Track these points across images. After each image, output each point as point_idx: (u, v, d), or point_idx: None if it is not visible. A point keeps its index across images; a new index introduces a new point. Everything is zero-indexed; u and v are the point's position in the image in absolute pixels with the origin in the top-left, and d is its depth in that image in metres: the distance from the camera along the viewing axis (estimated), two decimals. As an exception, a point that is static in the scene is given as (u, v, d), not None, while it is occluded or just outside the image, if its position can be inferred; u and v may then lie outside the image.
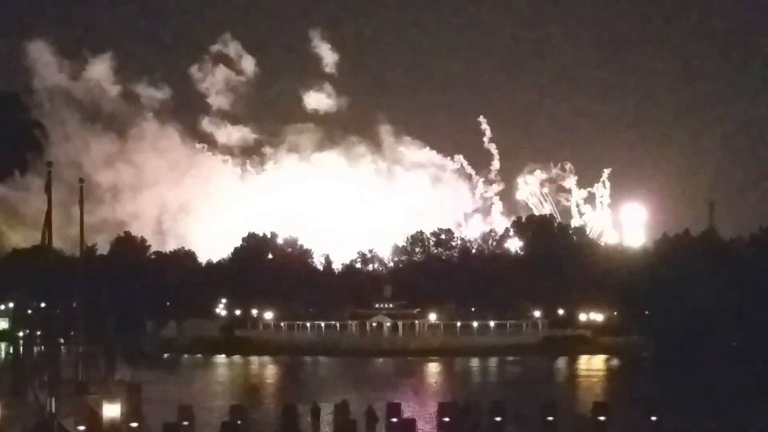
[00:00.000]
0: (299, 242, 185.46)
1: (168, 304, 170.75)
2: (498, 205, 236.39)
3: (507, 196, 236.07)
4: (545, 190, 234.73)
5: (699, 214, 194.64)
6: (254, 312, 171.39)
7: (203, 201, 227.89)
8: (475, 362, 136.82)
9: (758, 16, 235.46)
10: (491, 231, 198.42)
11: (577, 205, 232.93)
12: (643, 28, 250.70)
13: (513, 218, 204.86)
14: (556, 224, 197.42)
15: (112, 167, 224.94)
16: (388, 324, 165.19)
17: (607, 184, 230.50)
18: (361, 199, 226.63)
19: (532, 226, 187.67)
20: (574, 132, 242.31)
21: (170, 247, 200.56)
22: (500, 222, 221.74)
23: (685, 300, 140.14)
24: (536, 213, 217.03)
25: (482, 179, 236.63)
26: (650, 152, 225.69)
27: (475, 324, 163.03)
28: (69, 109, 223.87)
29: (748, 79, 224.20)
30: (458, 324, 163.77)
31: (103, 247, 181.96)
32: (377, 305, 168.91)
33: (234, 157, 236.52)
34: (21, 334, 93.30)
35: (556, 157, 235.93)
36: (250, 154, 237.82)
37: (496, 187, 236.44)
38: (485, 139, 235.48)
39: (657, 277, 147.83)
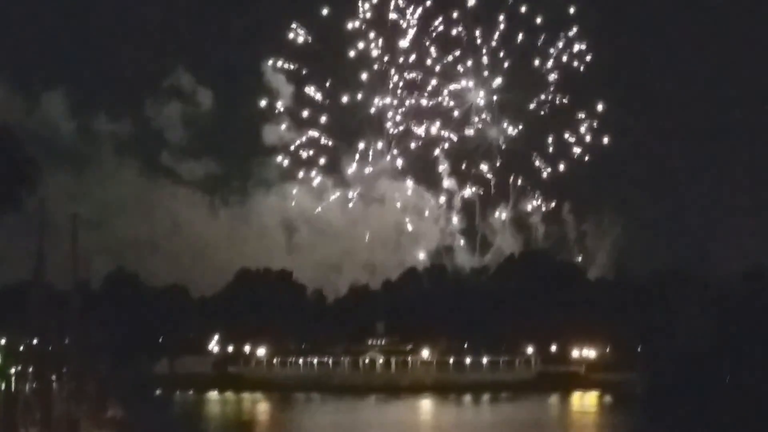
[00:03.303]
0: (293, 276, 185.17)
1: (160, 340, 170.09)
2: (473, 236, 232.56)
3: (471, 230, 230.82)
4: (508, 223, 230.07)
5: (692, 250, 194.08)
6: (247, 348, 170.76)
7: (172, 235, 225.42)
8: (467, 399, 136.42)
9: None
10: (484, 267, 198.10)
11: (545, 237, 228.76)
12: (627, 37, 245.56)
13: (506, 253, 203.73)
14: (552, 258, 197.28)
15: (72, 202, 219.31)
16: (381, 360, 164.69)
17: (570, 217, 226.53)
18: (338, 230, 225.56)
19: (523, 261, 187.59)
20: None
21: (140, 281, 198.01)
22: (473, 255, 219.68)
23: (677, 336, 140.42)
24: (504, 248, 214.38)
25: (446, 210, 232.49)
26: (639, 185, 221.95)
27: (467, 360, 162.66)
28: (26, 143, 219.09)
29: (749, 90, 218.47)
30: (451, 360, 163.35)
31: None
32: (370, 341, 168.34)
33: (199, 190, 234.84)
34: (13, 370, 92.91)
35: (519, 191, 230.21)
36: (216, 187, 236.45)
37: (458, 223, 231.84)
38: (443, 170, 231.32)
39: (650, 313, 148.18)
